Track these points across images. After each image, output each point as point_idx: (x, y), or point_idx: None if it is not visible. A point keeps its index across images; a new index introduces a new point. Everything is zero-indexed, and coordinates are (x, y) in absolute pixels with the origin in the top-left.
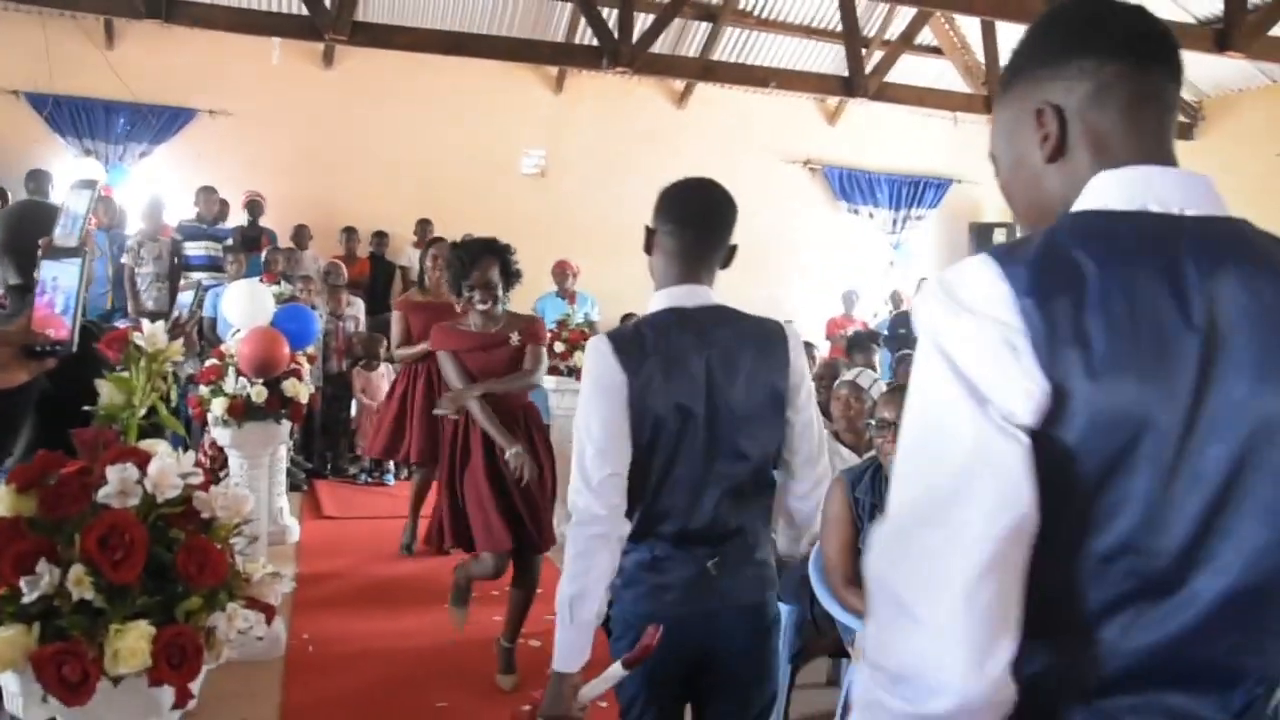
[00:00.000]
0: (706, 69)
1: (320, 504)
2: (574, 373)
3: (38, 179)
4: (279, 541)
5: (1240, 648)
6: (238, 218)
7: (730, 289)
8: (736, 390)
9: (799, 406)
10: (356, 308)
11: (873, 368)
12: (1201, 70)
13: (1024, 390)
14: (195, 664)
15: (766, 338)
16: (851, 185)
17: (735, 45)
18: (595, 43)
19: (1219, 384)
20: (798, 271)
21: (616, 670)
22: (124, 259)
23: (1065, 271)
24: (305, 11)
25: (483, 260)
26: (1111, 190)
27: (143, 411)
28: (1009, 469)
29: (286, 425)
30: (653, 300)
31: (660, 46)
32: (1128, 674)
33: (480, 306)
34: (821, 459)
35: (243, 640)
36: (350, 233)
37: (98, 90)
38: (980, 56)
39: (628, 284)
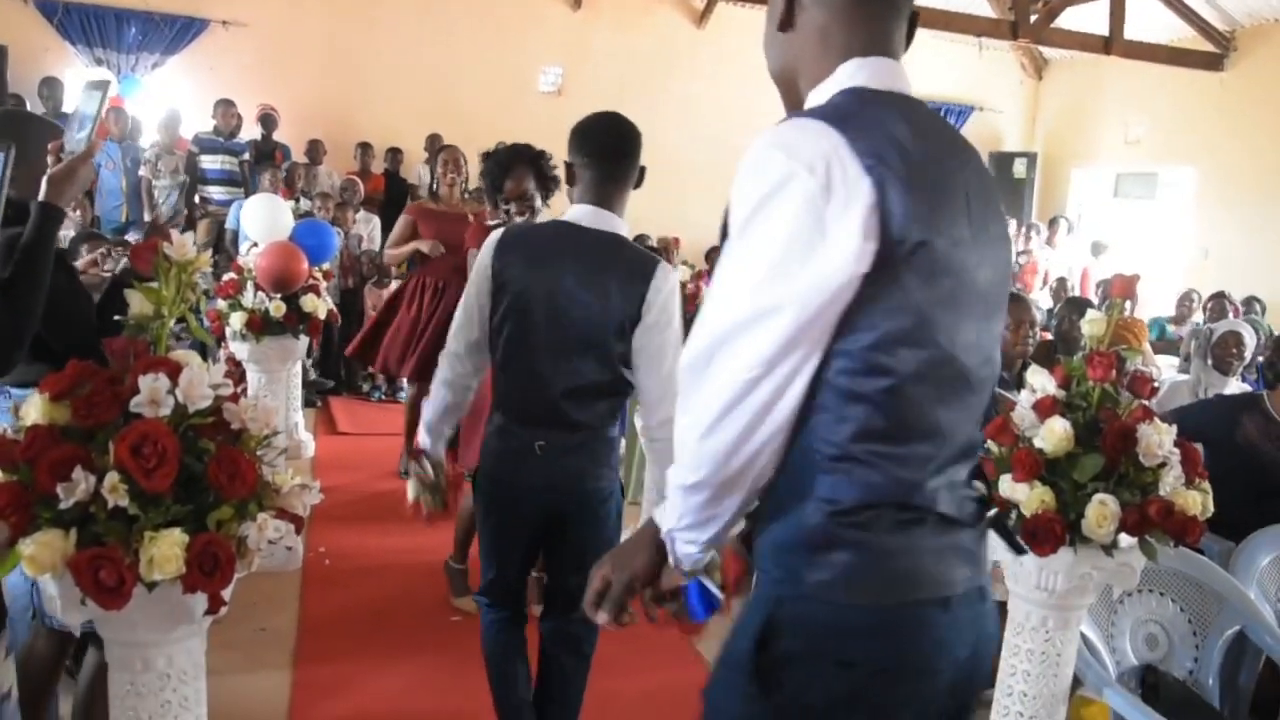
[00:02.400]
0: None
1: (335, 420)
2: None
3: (52, 87)
4: (295, 456)
5: None
6: (250, 131)
7: None
8: (580, 305)
9: (643, 342)
10: (371, 225)
11: None
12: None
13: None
14: (228, 572)
15: (633, 269)
16: None
17: None
18: None
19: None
20: None
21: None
22: (141, 171)
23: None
24: None
25: (516, 169)
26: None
27: (172, 322)
28: None
29: (304, 341)
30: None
31: None
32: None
33: (518, 219)
34: (668, 400)
35: (272, 550)
36: (365, 149)
37: None
38: None
39: (645, 204)
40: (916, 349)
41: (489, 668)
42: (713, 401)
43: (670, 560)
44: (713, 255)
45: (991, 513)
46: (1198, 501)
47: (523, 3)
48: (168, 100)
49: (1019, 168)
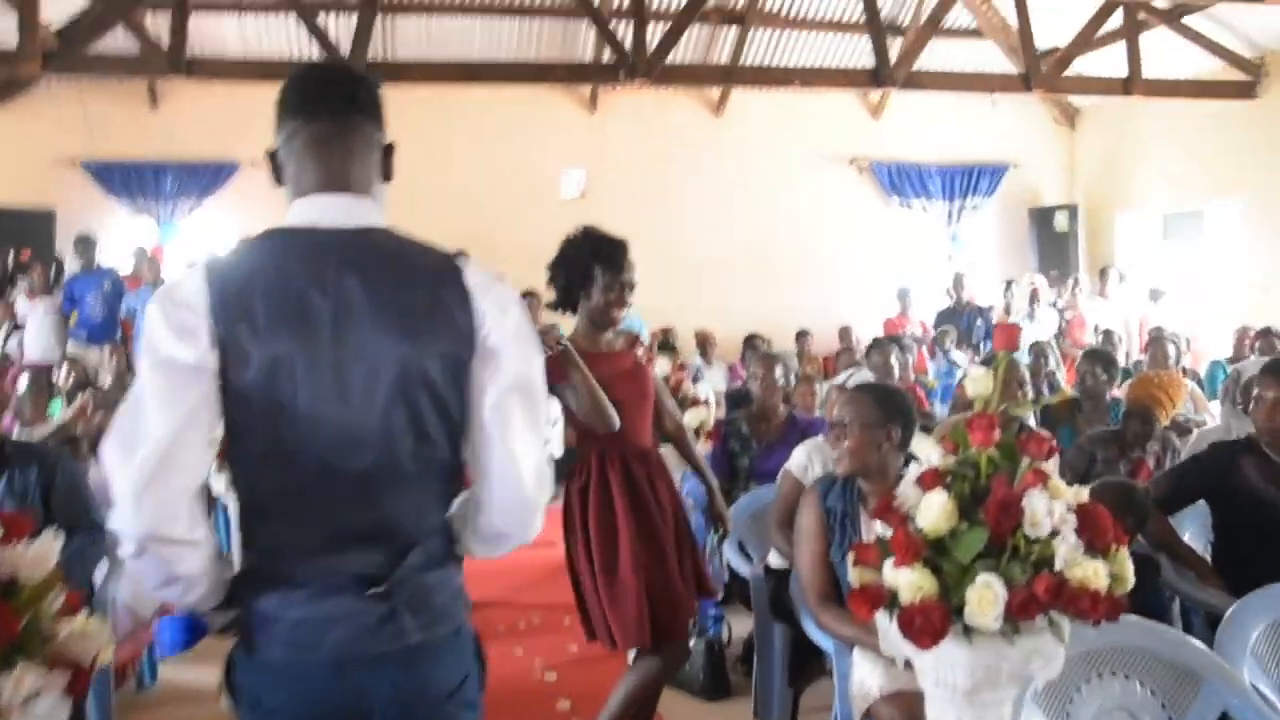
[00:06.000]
0: (727, 74)
1: None
2: None
3: (86, 245)
4: None
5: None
6: None
7: (780, 297)
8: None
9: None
10: None
11: (887, 368)
12: (1262, 25)
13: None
14: None
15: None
16: (901, 180)
17: (765, 47)
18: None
19: (348, 334)
20: (851, 273)
21: None
22: None
23: (244, 272)
24: (320, 54)
25: (626, 254)
26: (295, 212)
27: None
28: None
29: None
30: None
31: (689, 54)
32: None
33: (617, 313)
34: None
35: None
36: None
37: (145, 151)
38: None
39: (671, 301)
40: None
41: None
42: None
43: None
44: (754, 340)
45: None
46: (1100, 573)
47: (539, 109)
48: (206, 242)
49: (1060, 221)
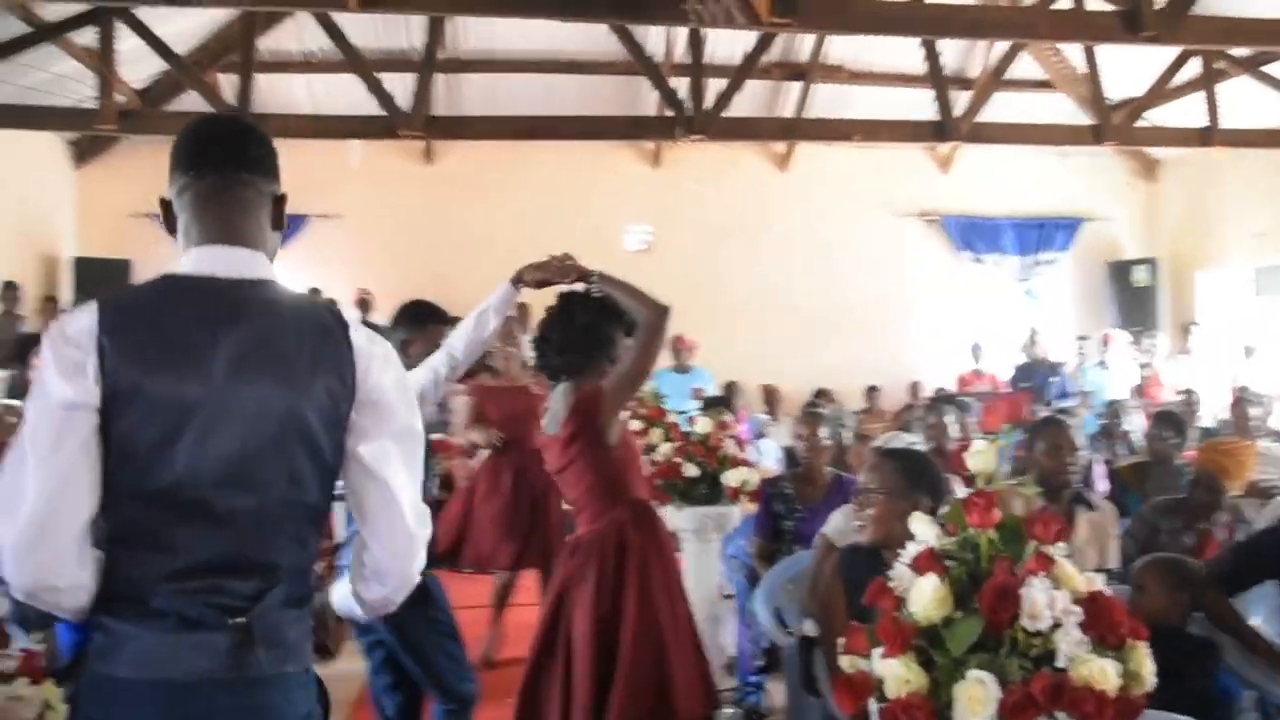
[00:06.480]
0: (788, 129)
1: None
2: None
3: None
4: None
5: None
6: (348, 315)
7: (850, 351)
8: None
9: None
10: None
11: (941, 429)
12: None
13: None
14: None
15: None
16: (972, 233)
17: (827, 100)
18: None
19: (235, 381)
20: (923, 327)
21: None
22: None
23: (137, 313)
24: (382, 111)
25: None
26: (187, 262)
27: None
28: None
29: None
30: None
31: (750, 108)
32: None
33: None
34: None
35: None
36: (457, 323)
37: None
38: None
39: (739, 356)
40: None
41: None
42: None
43: None
44: (822, 396)
45: None
46: (1109, 673)
47: (603, 165)
48: None
49: (1139, 276)
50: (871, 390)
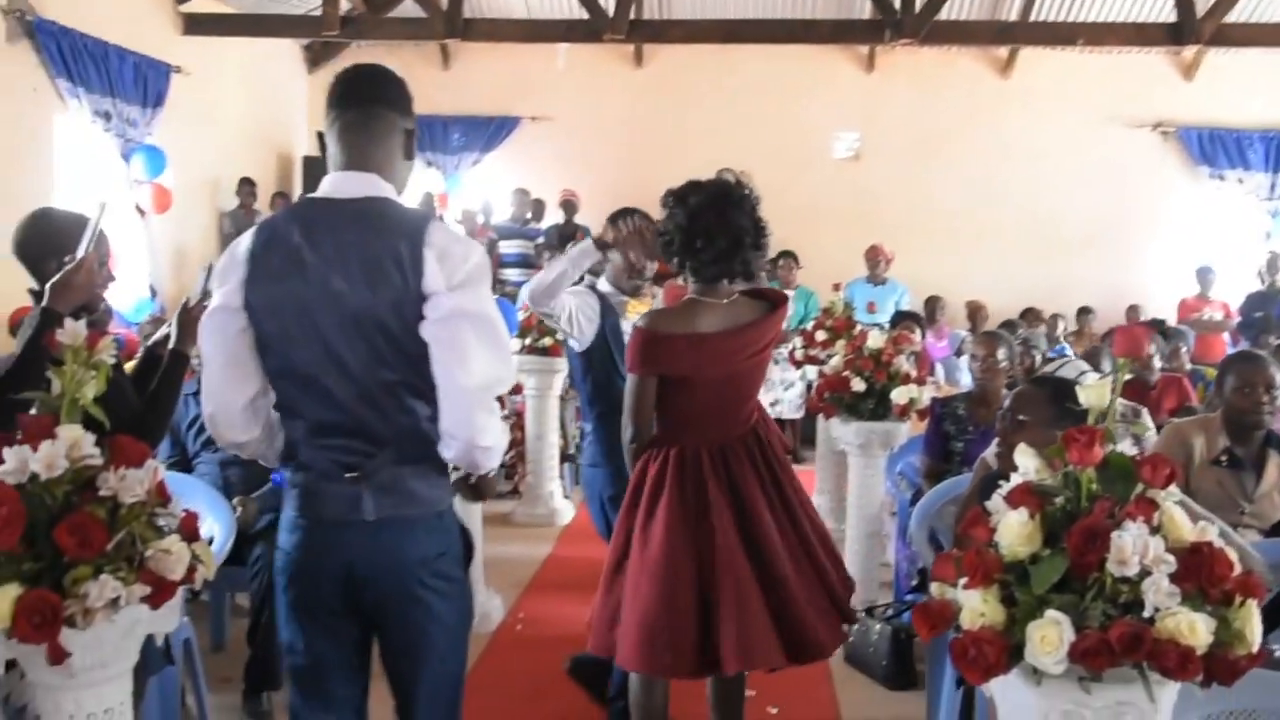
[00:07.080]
0: (1002, 33)
1: None
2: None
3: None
4: (547, 523)
5: None
6: (554, 215)
7: (1064, 270)
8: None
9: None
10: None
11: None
12: None
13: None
14: (54, 626)
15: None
16: (1214, 147)
17: (1056, 1)
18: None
19: (326, 282)
20: (1148, 249)
21: None
22: None
23: (274, 231)
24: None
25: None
26: (324, 184)
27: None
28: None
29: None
30: None
31: (972, 11)
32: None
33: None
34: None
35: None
36: None
37: (439, 108)
38: None
39: (940, 272)
40: None
41: None
42: None
43: None
44: (1028, 315)
45: None
46: (1198, 629)
47: (815, 69)
48: (482, 192)
49: None
50: (1083, 312)
